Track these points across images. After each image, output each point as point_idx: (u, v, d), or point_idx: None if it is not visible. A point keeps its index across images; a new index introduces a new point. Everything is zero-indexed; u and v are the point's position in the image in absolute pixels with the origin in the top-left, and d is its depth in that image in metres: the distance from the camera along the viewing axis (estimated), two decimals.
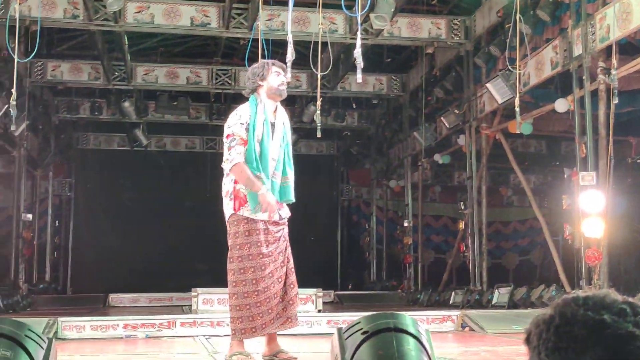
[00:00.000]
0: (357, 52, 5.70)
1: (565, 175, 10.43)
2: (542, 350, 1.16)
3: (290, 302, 4.40)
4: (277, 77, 4.45)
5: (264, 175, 4.32)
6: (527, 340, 1.21)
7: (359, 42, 5.79)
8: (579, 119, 8.73)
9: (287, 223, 4.54)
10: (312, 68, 7.72)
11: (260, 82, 4.48)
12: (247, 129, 4.33)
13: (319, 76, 7.32)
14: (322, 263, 17.46)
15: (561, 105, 9.10)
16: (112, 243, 16.81)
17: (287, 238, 4.50)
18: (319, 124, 6.86)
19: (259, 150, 4.33)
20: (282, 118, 4.52)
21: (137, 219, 17.06)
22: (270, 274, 4.32)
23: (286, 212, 4.53)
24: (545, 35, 9.67)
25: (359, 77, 5.80)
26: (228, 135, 4.38)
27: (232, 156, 4.32)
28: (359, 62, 5.67)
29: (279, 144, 4.43)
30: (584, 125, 8.61)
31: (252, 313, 4.27)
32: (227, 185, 4.43)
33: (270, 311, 4.29)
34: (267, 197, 4.26)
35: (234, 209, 4.36)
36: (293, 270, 4.48)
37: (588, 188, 8.12)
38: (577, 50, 8.62)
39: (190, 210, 16.95)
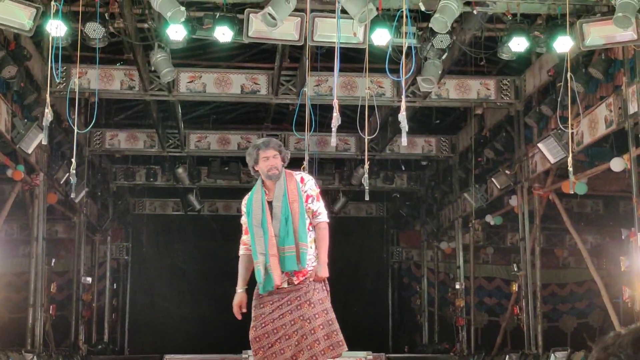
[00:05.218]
0: (402, 116, 5.76)
1: (622, 236, 10.12)
2: None
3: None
4: (265, 162, 4.51)
5: (261, 260, 4.48)
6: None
7: (403, 106, 5.85)
8: (636, 178, 8.50)
9: (306, 286, 4.52)
10: (360, 132, 7.81)
11: (255, 167, 4.61)
12: (246, 217, 4.60)
13: (366, 140, 7.42)
14: (373, 325, 17.27)
15: (617, 164, 8.88)
16: (167, 305, 17.10)
17: (311, 298, 4.49)
18: (367, 187, 6.90)
19: (260, 233, 4.49)
20: (283, 191, 4.56)
21: (190, 282, 17.35)
22: (269, 344, 4.46)
23: (298, 277, 4.53)
24: (599, 93, 9.51)
25: (404, 140, 5.85)
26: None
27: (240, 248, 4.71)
28: (404, 126, 5.72)
29: (279, 219, 4.52)
30: None
31: None
32: None
33: None
34: (235, 299, 4.66)
35: None
36: (313, 332, 4.43)
37: None
38: (633, 107, 8.45)
39: None
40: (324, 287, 4.58)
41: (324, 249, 4.56)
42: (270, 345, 4.45)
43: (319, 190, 4.63)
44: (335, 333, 4.47)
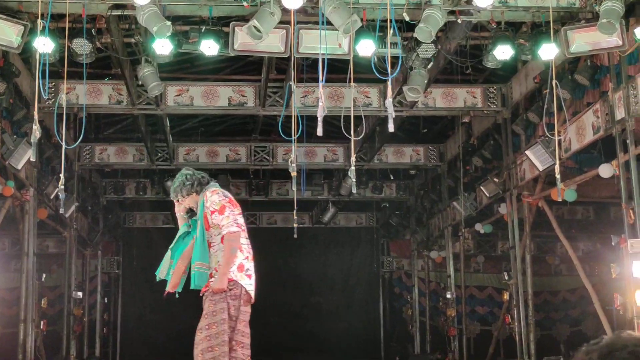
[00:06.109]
0: (389, 102, 5.76)
1: (613, 243, 10.10)
2: None
3: None
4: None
5: (168, 260, 5.01)
6: None
7: (389, 91, 5.87)
8: (625, 184, 8.46)
9: (206, 298, 4.79)
10: (345, 132, 7.79)
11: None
12: None
13: (352, 142, 7.38)
14: (365, 335, 17.26)
15: (605, 170, 8.78)
16: (159, 318, 17.05)
17: (205, 309, 4.76)
18: (353, 180, 6.71)
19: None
20: (198, 211, 4.77)
21: (182, 295, 17.27)
22: None
23: (203, 290, 4.82)
24: (586, 99, 9.48)
25: (391, 126, 5.87)
26: None
27: None
28: (390, 112, 5.73)
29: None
30: (630, 190, 8.31)
31: None
32: None
33: None
34: None
35: None
36: (197, 344, 4.71)
37: (638, 256, 7.80)
38: (620, 113, 8.43)
39: None
40: (224, 299, 4.63)
41: (224, 259, 4.64)
42: None
43: (225, 200, 4.67)
44: (219, 346, 4.61)
